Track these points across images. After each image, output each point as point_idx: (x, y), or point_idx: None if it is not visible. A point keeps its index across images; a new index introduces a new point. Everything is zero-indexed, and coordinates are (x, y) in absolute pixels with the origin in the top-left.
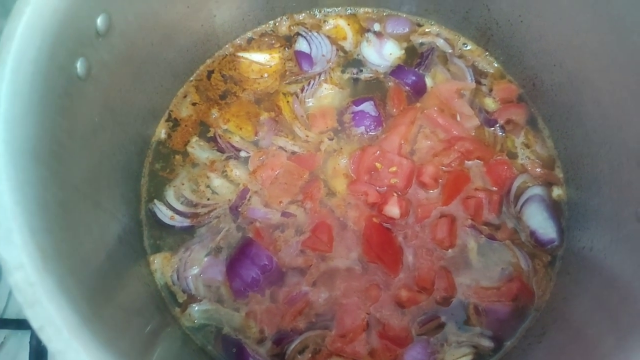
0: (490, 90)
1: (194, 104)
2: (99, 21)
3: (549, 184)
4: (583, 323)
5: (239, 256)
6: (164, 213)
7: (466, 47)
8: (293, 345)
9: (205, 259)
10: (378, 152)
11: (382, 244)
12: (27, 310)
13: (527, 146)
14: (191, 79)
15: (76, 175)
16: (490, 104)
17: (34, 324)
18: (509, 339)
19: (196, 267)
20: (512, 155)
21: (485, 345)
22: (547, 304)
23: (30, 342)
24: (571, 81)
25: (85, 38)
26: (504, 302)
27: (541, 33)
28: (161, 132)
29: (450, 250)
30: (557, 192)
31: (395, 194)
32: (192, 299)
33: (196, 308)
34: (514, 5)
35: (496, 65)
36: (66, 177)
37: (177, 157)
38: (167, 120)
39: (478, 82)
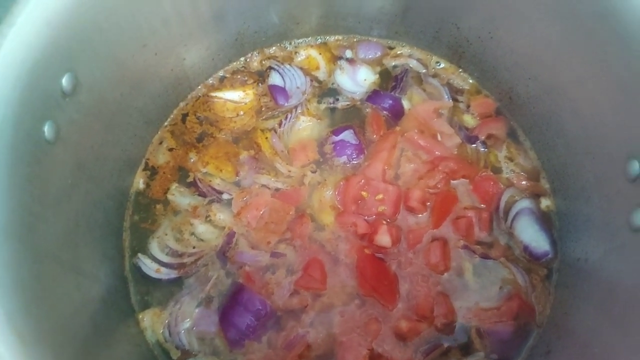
0: (468, 106)
1: (170, 150)
2: (64, 81)
3: (536, 196)
4: (589, 337)
5: (231, 304)
6: (149, 267)
7: (439, 65)
8: None
9: (197, 310)
10: (362, 180)
11: (376, 275)
12: None
13: (511, 159)
14: (165, 124)
15: (52, 243)
16: (469, 120)
17: None
18: (515, 359)
19: (188, 320)
20: (497, 170)
21: None
22: (548, 319)
23: None
24: (547, 93)
25: (52, 100)
26: (506, 322)
27: (512, 48)
28: (139, 182)
29: (445, 275)
30: (545, 203)
31: (384, 222)
32: (186, 354)
33: None
34: (482, 22)
35: (471, 81)
36: (41, 247)
37: (158, 206)
38: (144, 169)
39: (455, 100)
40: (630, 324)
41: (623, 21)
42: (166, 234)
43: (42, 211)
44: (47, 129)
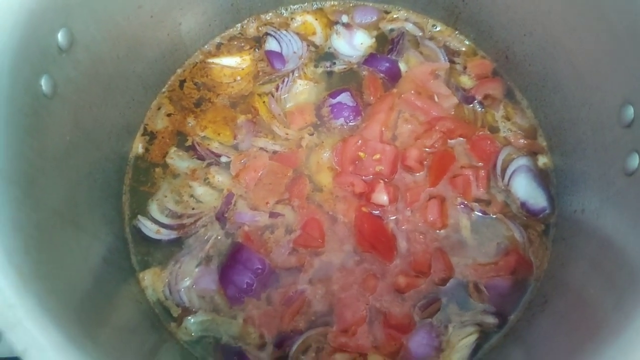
0: (465, 67)
1: (168, 115)
2: (60, 36)
3: (533, 154)
4: (582, 287)
5: (231, 263)
6: (149, 228)
7: (436, 28)
8: (295, 346)
9: (197, 269)
10: (360, 141)
11: (374, 232)
12: (9, 333)
13: (508, 119)
14: (163, 90)
15: (52, 197)
16: (466, 81)
17: (18, 346)
18: (513, 313)
19: (188, 278)
20: (494, 130)
21: (490, 322)
22: (545, 273)
23: None
24: (543, 48)
25: (48, 54)
26: (503, 277)
27: (508, 4)
28: (138, 146)
29: (443, 231)
30: (542, 160)
31: (381, 181)
32: (186, 311)
33: (192, 320)
34: None
35: (467, 42)
36: (41, 199)
37: (157, 170)
38: (143, 135)
39: (452, 62)
40: (619, 274)
41: None
42: (165, 196)
43: (41, 164)
44: (45, 83)
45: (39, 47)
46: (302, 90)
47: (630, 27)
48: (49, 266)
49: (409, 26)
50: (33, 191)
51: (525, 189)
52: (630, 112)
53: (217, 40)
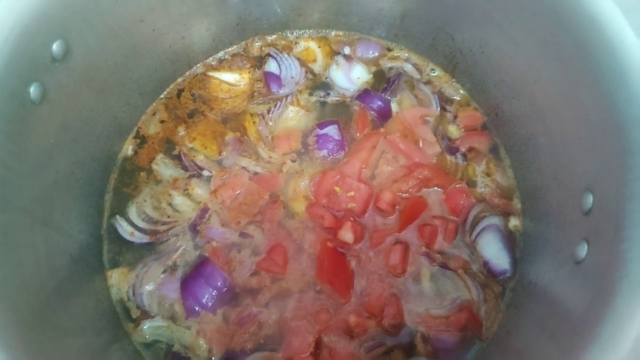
0: (455, 117)
1: (162, 122)
2: (55, 47)
3: (506, 214)
4: (525, 351)
5: (194, 275)
6: (124, 229)
7: (434, 72)
8: None
9: (162, 275)
10: (338, 176)
11: (334, 268)
12: None
13: (488, 175)
14: (161, 96)
15: (25, 197)
16: (453, 131)
17: None
18: None
19: (152, 283)
20: (472, 184)
21: None
22: (493, 336)
23: None
24: (527, 115)
25: (40, 64)
26: (452, 332)
27: (500, 65)
28: (128, 148)
29: (402, 278)
30: (513, 222)
31: (350, 220)
32: (145, 315)
33: (149, 324)
34: (474, 37)
35: (462, 92)
36: (11, 200)
37: (142, 174)
38: (135, 137)
39: (443, 109)
40: (564, 334)
41: (597, 58)
42: (145, 201)
43: (18, 167)
44: (33, 90)
45: (31, 57)
46: (292, 117)
47: (603, 120)
48: (6, 269)
49: (408, 67)
50: (4, 194)
51: (491, 248)
52: (589, 200)
53: (220, 54)
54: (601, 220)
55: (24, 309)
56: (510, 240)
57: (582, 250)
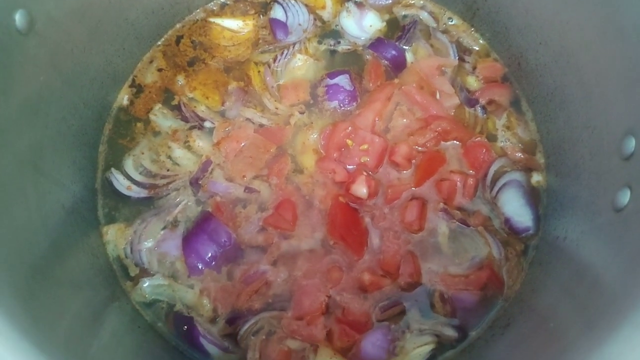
0: (474, 68)
1: (159, 70)
2: None
3: (528, 170)
4: (549, 313)
5: (197, 231)
6: (120, 183)
7: (451, 21)
8: (247, 326)
9: (162, 232)
10: (350, 128)
11: (347, 224)
12: None
13: (509, 128)
14: (158, 43)
15: (12, 137)
16: (472, 82)
17: None
18: (474, 329)
19: (151, 240)
20: (492, 138)
21: (449, 335)
22: (516, 295)
23: None
24: (556, 60)
25: None
26: (472, 291)
27: (527, 8)
28: (123, 98)
29: (419, 235)
30: (536, 178)
31: (364, 173)
32: (144, 273)
33: (148, 283)
34: None
35: (482, 42)
36: None
37: (139, 125)
38: (130, 86)
39: (461, 59)
40: (591, 304)
41: None
42: (143, 153)
43: (3, 103)
44: (19, 18)
45: None
46: (300, 66)
47: None
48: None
49: (424, 15)
50: None
51: (512, 205)
52: (631, 144)
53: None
54: None
55: (19, 265)
56: (533, 196)
57: (624, 197)
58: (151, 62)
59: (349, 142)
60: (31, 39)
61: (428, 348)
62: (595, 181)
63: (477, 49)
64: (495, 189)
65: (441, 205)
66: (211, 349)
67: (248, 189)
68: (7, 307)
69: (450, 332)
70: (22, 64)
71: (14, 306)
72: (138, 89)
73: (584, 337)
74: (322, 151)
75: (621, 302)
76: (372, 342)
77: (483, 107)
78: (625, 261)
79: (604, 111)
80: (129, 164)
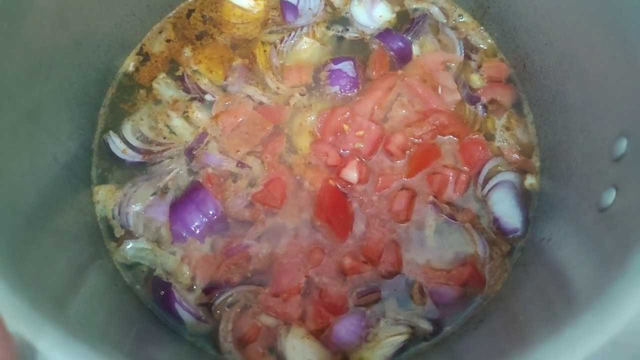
0: (479, 66)
1: (168, 41)
2: None
3: (523, 172)
4: (521, 308)
5: (185, 200)
6: (117, 145)
7: (461, 18)
8: (223, 297)
9: (151, 197)
10: (348, 113)
11: (334, 206)
12: None
13: (508, 129)
14: (170, 15)
15: (12, 82)
16: (476, 80)
17: None
18: (449, 324)
19: (140, 204)
20: (490, 137)
21: (424, 328)
22: (495, 294)
23: None
24: (560, 62)
25: None
26: (452, 286)
27: (536, 7)
28: (129, 64)
29: (405, 225)
30: (530, 181)
31: (357, 159)
32: (129, 235)
33: (132, 245)
34: None
35: (490, 41)
36: None
37: (141, 91)
38: (137, 54)
39: (467, 57)
40: (559, 304)
41: None
42: (142, 120)
43: (5, 45)
44: None
45: None
46: (306, 49)
47: None
48: None
49: (435, 10)
50: None
51: (503, 205)
52: (622, 145)
53: None
54: (633, 163)
55: (10, 216)
56: (525, 198)
57: (610, 196)
58: (160, 32)
59: (346, 127)
60: None
61: (401, 338)
62: (584, 183)
63: (484, 47)
64: (487, 187)
65: (431, 198)
66: (185, 315)
67: (240, 164)
68: None
69: (426, 325)
70: (28, 12)
71: (3, 257)
72: (145, 57)
73: (546, 324)
74: (317, 134)
75: (585, 293)
76: (346, 326)
77: (484, 106)
78: (598, 259)
79: (601, 114)
80: (127, 129)
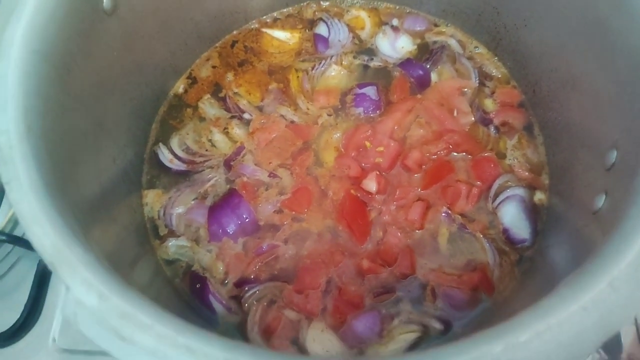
0: (493, 92)
1: (213, 67)
2: None
3: (532, 188)
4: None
5: (222, 204)
6: (165, 156)
7: (477, 49)
8: (251, 292)
9: (192, 202)
10: (370, 131)
11: (354, 212)
12: (1, 167)
13: (519, 149)
14: (216, 45)
15: (84, 92)
16: (489, 104)
17: (4, 179)
18: (458, 325)
19: (182, 206)
20: (501, 156)
21: (435, 327)
22: (504, 300)
23: (37, 265)
24: (563, 86)
25: None
26: (463, 290)
27: (542, 37)
28: (180, 86)
29: (419, 232)
30: (539, 196)
31: (376, 172)
32: (172, 234)
33: (173, 242)
34: (519, 9)
35: (503, 70)
36: (72, 89)
37: (188, 110)
38: (187, 78)
39: (482, 84)
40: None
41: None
42: (188, 134)
43: (82, 63)
44: (106, 1)
45: None
46: (334, 75)
47: (631, 77)
48: (61, 143)
49: (452, 42)
50: (67, 80)
51: (512, 217)
52: (613, 155)
53: (276, 14)
54: (622, 171)
55: (80, 201)
56: (533, 212)
57: (600, 201)
58: (208, 59)
59: (367, 143)
60: (113, 21)
61: (413, 336)
62: (583, 193)
63: (498, 75)
64: (498, 200)
65: (444, 208)
66: (218, 307)
67: (272, 175)
68: (73, 232)
69: (437, 325)
70: (102, 37)
71: (76, 232)
72: (193, 80)
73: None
74: (342, 149)
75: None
76: (362, 322)
77: (496, 127)
78: (586, 254)
79: (597, 129)
80: (174, 142)
